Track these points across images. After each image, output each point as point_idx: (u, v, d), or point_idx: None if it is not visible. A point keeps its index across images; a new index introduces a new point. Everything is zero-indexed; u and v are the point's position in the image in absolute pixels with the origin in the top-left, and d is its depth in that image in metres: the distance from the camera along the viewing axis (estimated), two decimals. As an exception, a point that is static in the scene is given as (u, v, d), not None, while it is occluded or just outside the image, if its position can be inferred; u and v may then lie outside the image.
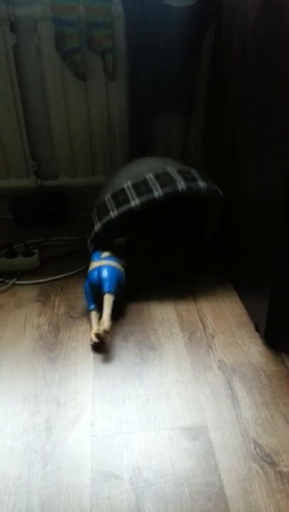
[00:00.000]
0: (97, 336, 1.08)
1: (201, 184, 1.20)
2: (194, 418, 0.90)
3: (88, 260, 1.29)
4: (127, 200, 1.19)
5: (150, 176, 1.21)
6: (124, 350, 1.09)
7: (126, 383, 0.99)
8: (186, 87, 1.53)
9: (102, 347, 1.10)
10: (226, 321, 1.18)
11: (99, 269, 1.18)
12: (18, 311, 1.24)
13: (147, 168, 1.24)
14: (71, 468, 0.81)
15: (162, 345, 1.10)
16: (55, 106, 1.55)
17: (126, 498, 0.76)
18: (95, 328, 1.10)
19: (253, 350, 1.08)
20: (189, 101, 1.56)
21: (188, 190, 1.18)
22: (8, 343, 1.12)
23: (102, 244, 1.27)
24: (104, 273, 1.17)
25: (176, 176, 1.19)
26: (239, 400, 0.94)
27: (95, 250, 1.28)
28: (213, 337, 1.12)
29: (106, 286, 1.15)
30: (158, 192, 1.16)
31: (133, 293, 1.25)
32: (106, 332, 1.07)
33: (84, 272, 1.40)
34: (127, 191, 1.20)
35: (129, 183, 1.22)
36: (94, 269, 1.20)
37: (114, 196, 1.23)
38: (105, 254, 1.25)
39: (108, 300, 1.13)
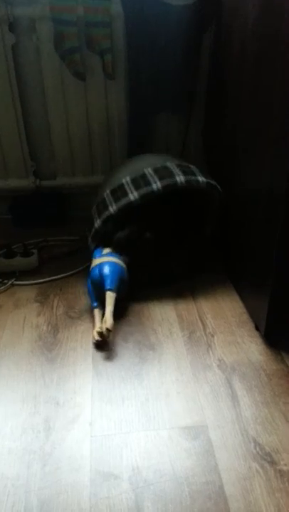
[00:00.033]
0: (100, 334, 1.08)
1: (200, 179, 1.19)
2: (194, 417, 0.90)
3: (87, 260, 1.29)
4: (125, 195, 1.18)
5: (149, 171, 1.20)
6: (123, 350, 1.08)
7: (125, 383, 0.99)
8: (186, 86, 1.53)
9: (104, 345, 1.10)
10: (225, 320, 1.17)
11: (100, 266, 1.18)
12: (17, 312, 1.23)
13: (146, 164, 1.24)
14: (70, 468, 0.81)
15: (162, 344, 1.10)
16: (54, 106, 1.55)
17: (125, 498, 0.75)
18: (97, 326, 1.10)
19: (252, 349, 1.07)
20: (189, 100, 1.56)
21: (188, 183, 1.17)
22: (7, 343, 1.12)
23: (103, 240, 1.26)
24: (106, 270, 1.16)
25: (176, 170, 1.19)
26: (239, 398, 0.94)
27: (96, 247, 1.27)
28: (212, 336, 1.12)
29: (107, 284, 1.14)
30: (156, 185, 1.16)
31: (133, 293, 1.25)
32: (108, 330, 1.07)
33: (83, 271, 1.40)
34: (126, 186, 1.20)
35: (127, 178, 1.22)
36: (95, 266, 1.19)
37: (113, 192, 1.22)
38: (107, 250, 1.24)
39: (110, 298, 1.12)
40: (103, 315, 1.11)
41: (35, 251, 1.44)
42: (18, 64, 1.48)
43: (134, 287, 1.24)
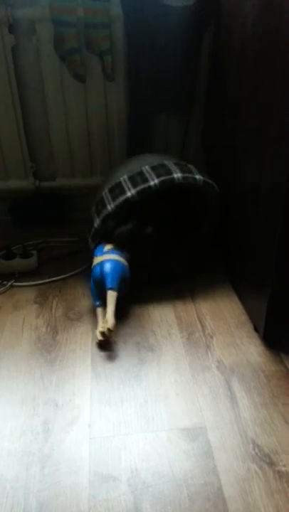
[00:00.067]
0: (102, 334, 1.08)
1: (198, 176, 1.20)
2: (193, 419, 0.90)
3: (87, 261, 1.29)
4: (123, 192, 1.19)
5: (146, 168, 1.21)
6: (122, 352, 1.08)
7: (124, 385, 0.99)
8: (186, 86, 1.53)
9: (103, 346, 1.10)
10: (224, 321, 1.17)
11: (101, 264, 1.17)
12: (16, 313, 1.23)
13: (144, 163, 1.24)
14: (69, 470, 0.81)
15: (161, 346, 1.10)
16: (53, 107, 1.55)
17: (124, 500, 0.75)
18: (100, 326, 1.10)
19: (251, 350, 1.07)
20: (189, 100, 1.56)
21: (185, 180, 1.17)
22: (6, 344, 1.12)
23: (104, 238, 1.26)
24: (107, 268, 1.15)
25: (173, 168, 1.20)
26: (238, 400, 0.94)
27: (97, 245, 1.26)
28: (211, 337, 1.12)
29: (108, 282, 1.13)
30: (154, 181, 1.16)
31: (132, 294, 1.24)
32: (110, 330, 1.07)
33: (82, 273, 1.40)
34: (123, 184, 1.20)
35: (125, 176, 1.22)
36: (97, 265, 1.18)
37: (110, 190, 1.23)
38: (108, 247, 1.23)
39: (111, 297, 1.12)
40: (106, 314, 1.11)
41: (34, 252, 1.44)
42: (18, 65, 1.49)
43: (134, 288, 1.24)
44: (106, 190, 1.25)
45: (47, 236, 1.61)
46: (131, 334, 1.14)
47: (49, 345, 1.11)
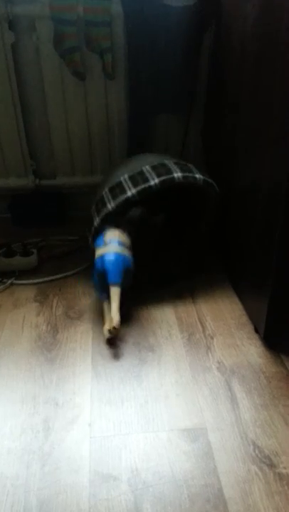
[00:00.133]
0: (110, 331, 1.08)
1: (198, 176, 1.20)
2: (193, 420, 0.90)
3: (87, 260, 1.29)
4: (123, 192, 1.18)
5: (147, 168, 1.21)
6: (123, 351, 1.08)
7: (124, 384, 0.99)
8: (186, 86, 1.53)
9: (103, 346, 1.10)
10: (225, 322, 1.18)
11: (102, 258, 1.14)
12: (16, 311, 1.23)
13: (144, 162, 1.24)
14: (69, 469, 0.81)
15: (161, 346, 1.10)
16: (53, 105, 1.55)
17: (124, 500, 0.75)
18: (107, 324, 1.09)
19: (252, 351, 1.07)
20: (189, 100, 1.56)
21: (185, 179, 1.17)
22: (6, 343, 1.12)
23: (108, 223, 1.24)
24: (108, 263, 1.12)
25: (173, 167, 1.20)
26: (238, 401, 0.94)
27: (98, 234, 1.23)
28: (212, 338, 1.12)
29: (110, 278, 1.11)
30: (154, 181, 1.16)
31: (132, 294, 1.24)
32: (115, 328, 1.07)
33: (83, 271, 1.40)
34: (124, 183, 1.20)
35: (125, 175, 1.22)
36: (98, 258, 1.15)
37: (111, 190, 1.22)
38: (109, 236, 1.19)
39: (114, 293, 1.10)
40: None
41: (34, 250, 1.44)
42: (18, 63, 1.48)
43: (134, 288, 1.23)
44: (106, 190, 1.25)
45: (47, 234, 1.61)
46: (131, 334, 1.14)
47: (49, 344, 1.11)
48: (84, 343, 1.11)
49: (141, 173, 1.21)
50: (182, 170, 1.20)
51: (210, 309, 1.22)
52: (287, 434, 0.86)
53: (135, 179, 1.20)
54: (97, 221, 1.23)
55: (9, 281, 1.35)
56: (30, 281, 1.36)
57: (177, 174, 1.18)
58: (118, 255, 1.14)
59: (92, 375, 1.02)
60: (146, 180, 1.18)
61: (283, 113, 0.87)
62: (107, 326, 1.08)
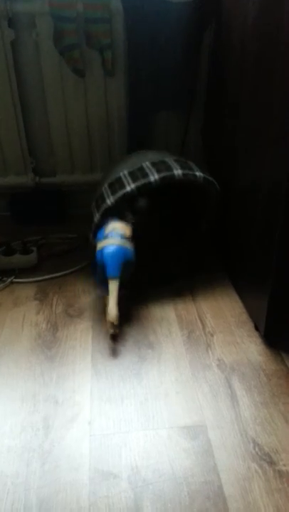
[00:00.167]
0: (112, 325, 1.08)
1: (198, 173, 1.19)
2: (193, 417, 0.90)
3: (87, 258, 1.28)
4: (122, 187, 1.18)
5: (147, 164, 1.20)
6: (122, 349, 1.08)
7: (124, 382, 0.99)
8: (186, 84, 1.52)
9: (103, 344, 1.10)
10: (225, 319, 1.18)
11: (102, 251, 1.12)
12: (16, 310, 1.23)
13: (144, 159, 1.24)
14: (69, 467, 0.81)
15: (161, 344, 1.10)
16: (53, 102, 1.54)
17: (124, 497, 0.76)
18: (110, 316, 1.08)
19: (252, 349, 1.07)
20: (189, 98, 1.55)
21: (185, 176, 1.17)
22: (6, 341, 1.12)
23: (110, 215, 1.23)
24: (107, 256, 1.11)
25: (173, 164, 1.19)
26: (238, 399, 0.94)
27: (99, 227, 1.22)
28: (212, 336, 1.12)
29: (109, 271, 1.10)
30: (154, 176, 1.16)
31: (132, 292, 1.24)
32: (112, 323, 1.07)
33: (82, 269, 1.40)
34: (123, 179, 1.20)
35: (125, 171, 1.21)
36: (98, 251, 1.14)
37: (110, 185, 1.22)
38: (109, 229, 1.17)
39: (112, 287, 1.09)
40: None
41: (34, 248, 1.44)
42: (18, 60, 1.48)
43: (134, 287, 1.23)
44: (106, 185, 1.25)
45: (47, 232, 1.61)
46: (131, 332, 1.14)
47: (49, 342, 1.11)
48: (84, 341, 1.11)
49: (141, 168, 1.20)
50: (182, 167, 1.19)
51: (210, 307, 1.22)
52: (287, 431, 0.86)
53: (135, 175, 1.20)
54: (97, 217, 1.23)
55: (9, 280, 1.35)
56: (30, 279, 1.36)
57: (177, 171, 1.17)
58: (118, 248, 1.12)
59: (92, 373, 1.02)
60: (146, 175, 1.18)
61: (283, 113, 0.87)
62: (107, 319, 1.08)
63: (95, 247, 1.22)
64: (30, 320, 1.19)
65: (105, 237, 1.15)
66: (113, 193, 1.20)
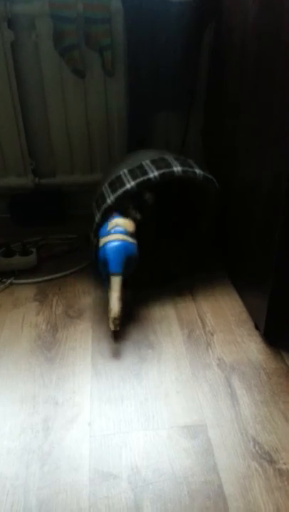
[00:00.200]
0: (112, 322, 1.08)
1: (197, 171, 1.19)
2: (193, 417, 0.90)
3: (87, 258, 1.28)
4: (122, 185, 1.18)
5: (146, 162, 1.20)
6: (122, 349, 1.08)
7: (124, 382, 0.99)
8: (186, 83, 1.52)
9: (103, 345, 1.10)
10: (225, 318, 1.17)
11: (104, 247, 1.12)
12: (16, 311, 1.23)
13: (144, 157, 1.24)
14: (69, 468, 0.81)
15: (161, 343, 1.09)
16: (53, 103, 1.54)
17: (124, 498, 0.75)
18: (112, 312, 1.08)
19: (252, 348, 1.07)
20: (189, 98, 1.55)
21: (184, 173, 1.17)
22: (6, 342, 1.11)
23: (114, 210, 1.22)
24: (109, 251, 1.10)
25: (173, 162, 1.19)
26: (238, 397, 0.94)
27: (102, 223, 1.21)
28: (212, 335, 1.12)
29: (111, 267, 1.09)
30: (153, 173, 1.16)
31: (132, 292, 1.24)
32: (115, 319, 1.07)
33: (82, 270, 1.40)
34: (123, 177, 1.20)
35: (125, 170, 1.22)
36: (101, 247, 1.13)
37: (110, 184, 1.22)
38: (112, 225, 1.16)
39: (114, 283, 1.09)
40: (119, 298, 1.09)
41: (34, 250, 1.44)
42: (17, 61, 1.48)
43: (134, 287, 1.23)
44: (106, 185, 1.25)
45: (46, 233, 1.61)
46: (131, 332, 1.14)
47: (49, 343, 1.11)
48: (84, 342, 1.11)
49: (140, 166, 1.20)
50: (182, 164, 1.19)
51: (210, 306, 1.22)
52: (287, 430, 0.86)
53: (134, 172, 1.19)
54: (98, 217, 1.23)
55: (9, 281, 1.35)
56: (30, 280, 1.36)
57: (177, 168, 1.17)
58: (120, 243, 1.12)
59: (92, 373, 1.02)
60: (146, 173, 1.18)
61: (283, 113, 0.87)
62: (109, 315, 1.08)
63: (96, 246, 1.22)
64: (30, 321, 1.19)
65: (108, 233, 1.15)
66: (113, 191, 1.20)
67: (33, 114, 1.58)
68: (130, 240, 1.14)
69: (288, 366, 1.01)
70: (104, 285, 1.16)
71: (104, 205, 1.20)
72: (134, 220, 1.20)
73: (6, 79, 1.48)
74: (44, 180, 1.68)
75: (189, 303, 1.24)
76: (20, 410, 0.93)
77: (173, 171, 1.16)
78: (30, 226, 1.66)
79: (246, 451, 0.82)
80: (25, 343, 1.11)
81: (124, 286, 1.11)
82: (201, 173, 1.20)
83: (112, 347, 1.09)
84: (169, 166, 1.18)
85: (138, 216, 1.21)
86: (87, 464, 0.81)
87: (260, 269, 1.05)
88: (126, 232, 1.14)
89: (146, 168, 1.18)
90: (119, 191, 1.18)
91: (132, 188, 1.16)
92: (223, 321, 1.16)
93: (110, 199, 1.19)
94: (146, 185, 1.17)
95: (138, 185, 1.16)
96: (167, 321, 1.17)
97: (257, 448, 0.83)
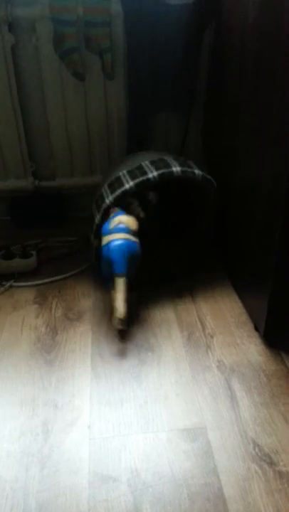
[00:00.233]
0: (118, 322, 1.08)
1: (196, 171, 1.20)
2: (193, 419, 0.89)
3: (86, 261, 1.28)
4: (121, 185, 1.18)
5: (146, 163, 1.21)
6: (122, 352, 1.08)
7: (124, 385, 0.99)
8: (186, 85, 1.52)
9: (102, 346, 1.10)
10: (224, 320, 1.17)
11: (107, 246, 1.11)
12: (16, 313, 1.23)
13: (143, 158, 1.24)
14: (68, 471, 0.80)
15: (161, 346, 1.09)
16: (53, 106, 1.55)
17: (124, 501, 0.75)
18: (118, 312, 1.08)
19: (252, 349, 1.07)
20: (189, 99, 1.55)
21: (183, 174, 1.18)
22: (5, 345, 1.11)
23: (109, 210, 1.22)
24: (113, 252, 1.09)
25: (172, 162, 1.20)
26: (238, 400, 0.93)
27: (104, 220, 1.20)
28: (212, 337, 1.12)
29: (116, 268, 1.09)
30: (152, 174, 1.16)
31: (137, 293, 1.24)
32: (121, 320, 1.07)
33: (82, 273, 1.40)
34: (122, 178, 1.20)
35: (124, 171, 1.22)
36: (104, 246, 1.12)
37: (110, 185, 1.22)
38: (116, 221, 1.14)
39: (120, 284, 1.08)
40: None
41: (34, 252, 1.44)
42: (18, 64, 1.48)
43: (134, 288, 1.23)
44: (105, 186, 1.25)
45: (46, 236, 1.61)
46: (131, 334, 1.13)
47: (48, 346, 1.11)
48: (83, 345, 1.11)
49: (139, 167, 1.21)
50: (181, 165, 1.20)
51: (210, 308, 1.22)
52: (287, 432, 0.86)
53: (133, 173, 1.20)
54: (98, 218, 1.23)
55: (8, 284, 1.35)
56: (30, 283, 1.36)
57: (176, 168, 1.17)
58: (124, 242, 1.11)
59: (92, 376, 1.01)
60: (145, 173, 1.18)
61: (283, 113, 0.87)
62: (114, 316, 1.08)
63: (96, 248, 1.22)
64: (30, 324, 1.19)
65: (111, 231, 1.14)
66: (112, 192, 1.20)
67: (33, 116, 1.58)
68: (133, 238, 1.13)
69: (288, 368, 1.01)
70: (107, 284, 1.16)
71: (104, 206, 1.21)
72: (138, 217, 1.19)
73: (6, 82, 1.48)
74: (44, 183, 1.68)
75: (189, 304, 1.24)
76: (20, 413, 0.92)
77: (172, 171, 1.17)
78: (30, 228, 1.66)
79: (246, 454, 0.82)
80: (25, 346, 1.11)
81: (130, 288, 1.11)
82: (200, 173, 1.20)
83: (111, 349, 1.09)
84: (168, 166, 1.18)
85: (142, 214, 1.21)
86: (87, 466, 0.81)
87: (260, 269, 1.05)
88: (129, 231, 1.13)
89: (146, 168, 1.19)
90: (118, 191, 1.18)
91: (130, 188, 1.17)
92: (223, 323, 1.16)
93: (109, 199, 1.19)
94: (146, 185, 1.17)
95: (137, 185, 1.16)
96: (167, 323, 1.17)
97: (257, 450, 0.82)
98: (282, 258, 0.95)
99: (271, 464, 0.80)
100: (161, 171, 1.17)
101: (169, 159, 1.22)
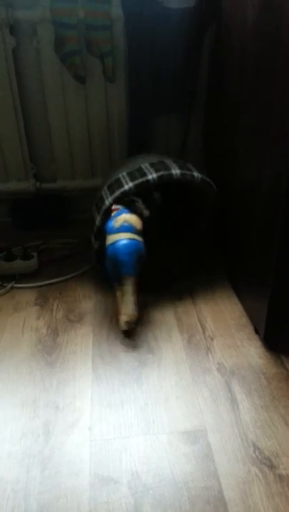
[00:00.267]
0: (127, 323, 1.08)
1: (196, 174, 1.20)
2: (193, 422, 0.90)
3: (87, 263, 1.28)
4: (120, 186, 1.19)
5: (145, 165, 1.22)
6: (123, 354, 1.08)
7: (125, 387, 0.99)
8: (186, 87, 1.53)
9: (103, 348, 1.10)
10: (225, 323, 1.17)
11: (114, 246, 1.10)
12: (17, 315, 1.23)
13: (143, 161, 1.25)
14: (69, 472, 0.81)
15: (161, 348, 1.10)
16: (54, 108, 1.55)
17: (124, 503, 0.75)
18: (123, 315, 1.09)
19: (252, 352, 1.07)
20: (189, 100, 1.56)
21: (183, 176, 1.18)
22: (7, 346, 1.12)
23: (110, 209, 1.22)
24: (121, 252, 1.09)
25: (172, 165, 1.21)
26: (238, 402, 0.94)
27: (107, 219, 1.20)
28: (212, 339, 1.12)
29: (124, 269, 1.09)
30: (152, 175, 1.17)
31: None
32: (129, 322, 1.07)
33: (83, 275, 1.40)
34: (122, 179, 1.21)
35: (124, 173, 1.22)
36: (110, 245, 1.12)
37: (109, 187, 1.23)
38: (121, 220, 1.14)
39: (128, 285, 1.09)
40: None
41: (35, 254, 1.44)
42: (19, 67, 1.49)
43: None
44: (105, 188, 1.26)
45: (47, 238, 1.61)
46: (131, 336, 1.14)
47: (50, 347, 1.11)
48: (84, 346, 1.11)
49: (139, 169, 1.21)
50: (181, 167, 1.21)
51: (210, 310, 1.22)
52: (287, 435, 0.86)
53: (133, 175, 1.20)
54: (98, 220, 1.24)
55: (10, 285, 1.35)
56: (31, 284, 1.36)
57: (175, 171, 1.18)
58: (130, 243, 1.11)
59: (93, 378, 1.02)
60: (144, 174, 1.19)
61: (283, 113, 0.87)
62: (124, 318, 1.08)
63: (97, 250, 1.22)
64: (31, 325, 1.19)
65: (117, 230, 1.13)
66: (112, 193, 1.21)
67: (34, 119, 1.59)
68: (139, 238, 1.13)
69: (288, 370, 1.01)
70: (110, 284, 1.16)
71: (104, 207, 1.21)
72: (141, 216, 1.19)
73: (7, 85, 1.49)
74: (45, 185, 1.69)
75: (189, 307, 1.24)
76: (21, 414, 0.93)
77: (171, 174, 1.18)
78: (32, 230, 1.67)
79: (246, 457, 0.82)
80: (26, 348, 1.11)
81: (138, 290, 1.11)
82: (199, 176, 1.21)
83: (112, 351, 1.09)
84: (167, 168, 1.19)
85: (146, 213, 1.21)
86: (88, 468, 0.81)
87: (260, 269, 1.05)
88: (134, 230, 1.13)
89: (145, 170, 1.20)
90: (117, 192, 1.19)
91: (130, 189, 1.17)
92: (223, 326, 1.16)
93: (108, 200, 1.20)
94: (145, 186, 1.18)
95: (136, 186, 1.17)
96: (167, 325, 1.17)
97: (257, 453, 0.83)
98: (282, 258, 0.95)
99: (271, 467, 0.80)
100: (160, 173, 1.17)
101: (169, 162, 1.23)
